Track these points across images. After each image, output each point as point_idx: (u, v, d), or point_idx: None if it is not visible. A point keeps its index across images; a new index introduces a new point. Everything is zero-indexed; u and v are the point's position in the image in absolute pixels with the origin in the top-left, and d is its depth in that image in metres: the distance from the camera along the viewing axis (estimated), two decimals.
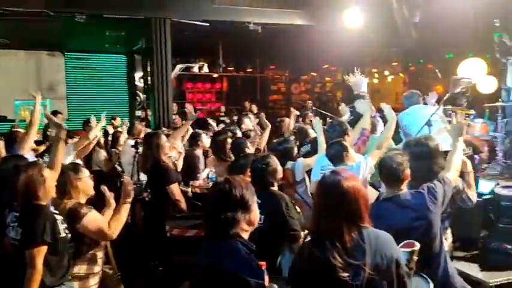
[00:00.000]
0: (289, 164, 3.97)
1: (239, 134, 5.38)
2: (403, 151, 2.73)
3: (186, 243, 3.52)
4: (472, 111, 6.78)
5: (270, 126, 5.47)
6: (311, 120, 6.04)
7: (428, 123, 4.23)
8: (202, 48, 10.88)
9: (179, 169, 5.06)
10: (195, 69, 11.04)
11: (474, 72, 6.27)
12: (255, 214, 1.93)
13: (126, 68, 11.69)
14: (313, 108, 8.72)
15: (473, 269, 3.16)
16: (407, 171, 2.56)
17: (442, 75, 8.15)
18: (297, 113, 6.60)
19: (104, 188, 3.04)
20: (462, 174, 3.04)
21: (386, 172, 2.60)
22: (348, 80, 5.53)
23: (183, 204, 4.00)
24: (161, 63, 7.76)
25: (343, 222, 1.85)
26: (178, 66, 9.51)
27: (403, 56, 10.82)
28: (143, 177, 4.58)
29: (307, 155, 4.36)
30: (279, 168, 3.16)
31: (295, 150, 4.23)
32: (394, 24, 8.21)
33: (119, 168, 5.81)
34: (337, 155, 3.45)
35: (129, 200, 3.03)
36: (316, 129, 4.31)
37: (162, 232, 3.81)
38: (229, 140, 4.58)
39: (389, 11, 8.09)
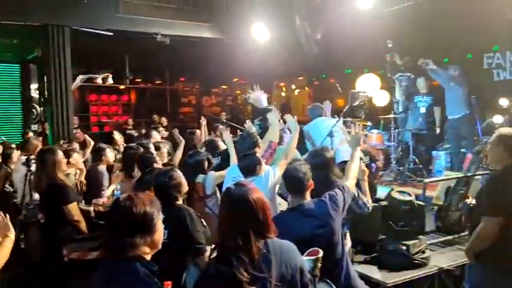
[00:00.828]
0: (200, 178, 3.91)
1: (152, 148, 5.16)
2: (306, 161, 2.84)
3: (87, 267, 3.25)
4: (369, 123, 7.36)
5: (183, 141, 5.35)
6: (221, 133, 6.03)
7: (331, 135, 4.48)
8: (107, 58, 10.38)
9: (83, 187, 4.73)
10: (99, 81, 10.42)
11: (370, 87, 6.84)
12: (159, 234, 1.80)
13: (20, 78, 10.71)
14: (224, 120, 8.76)
15: (372, 271, 3.32)
16: (311, 181, 2.65)
17: (343, 89, 8.71)
18: (204, 122, 6.52)
19: None
20: (358, 182, 3.24)
21: (292, 182, 2.66)
22: (248, 98, 5.67)
23: (83, 225, 3.73)
24: (60, 74, 7.25)
25: (250, 234, 1.83)
26: (80, 77, 8.96)
27: (308, 71, 11.37)
28: (37, 196, 4.17)
29: (217, 167, 4.32)
30: (183, 181, 3.04)
31: (206, 163, 4.17)
32: (298, 40, 8.62)
33: (9, 188, 5.26)
34: (250, 167, 3.45)
35: (12, 236, 2.46)
36: (227, 142, 4.31)
37: (59, 257, 3.49)
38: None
39: (293, 27, 8.49)
